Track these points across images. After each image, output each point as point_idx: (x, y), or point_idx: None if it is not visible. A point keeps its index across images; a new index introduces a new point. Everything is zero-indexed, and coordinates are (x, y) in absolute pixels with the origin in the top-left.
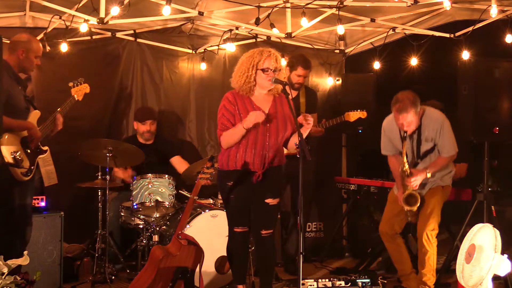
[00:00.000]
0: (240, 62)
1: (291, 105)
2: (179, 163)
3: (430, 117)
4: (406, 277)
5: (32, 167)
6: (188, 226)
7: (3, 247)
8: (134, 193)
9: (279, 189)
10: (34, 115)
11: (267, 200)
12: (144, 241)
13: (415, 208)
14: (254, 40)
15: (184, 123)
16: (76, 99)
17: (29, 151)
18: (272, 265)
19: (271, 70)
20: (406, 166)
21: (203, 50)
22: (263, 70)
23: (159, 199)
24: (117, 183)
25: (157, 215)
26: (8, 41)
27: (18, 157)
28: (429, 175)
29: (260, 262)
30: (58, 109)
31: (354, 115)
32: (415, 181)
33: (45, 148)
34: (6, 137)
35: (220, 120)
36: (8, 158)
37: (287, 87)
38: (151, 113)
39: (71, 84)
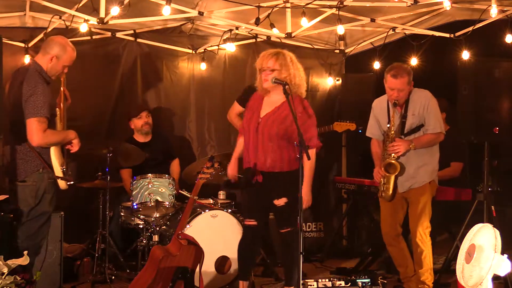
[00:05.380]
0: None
1: (292, 106)
2: (175, 169)
3: (419, 93)
4: (408, 279)
5: (70, 173)
6: (188, 226)
7: (35, 252)
8: (134, 193)
9: (284, 189)
10: (58, 115)
11: (274, 202)
12: (144, 241)
13: (392, 178)
14: (254, 40)
15: (184, 123)
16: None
17: (67, 159)
18: (289, 260)
19: (265, 70)
20: (392, 131)
21: (203, 50)
22: (260, 70)
23: (159, 199)
24: (118, 183)
25: (157, 215)
26: (13, 42)
27: (65, 168)
28: (412, 146)
29: (282, 258)
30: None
31: (342, 126)
32: (397, 147)
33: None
34: (56, 150)
35: None
36: (59, 171)
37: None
38: (143, 106)
39: None
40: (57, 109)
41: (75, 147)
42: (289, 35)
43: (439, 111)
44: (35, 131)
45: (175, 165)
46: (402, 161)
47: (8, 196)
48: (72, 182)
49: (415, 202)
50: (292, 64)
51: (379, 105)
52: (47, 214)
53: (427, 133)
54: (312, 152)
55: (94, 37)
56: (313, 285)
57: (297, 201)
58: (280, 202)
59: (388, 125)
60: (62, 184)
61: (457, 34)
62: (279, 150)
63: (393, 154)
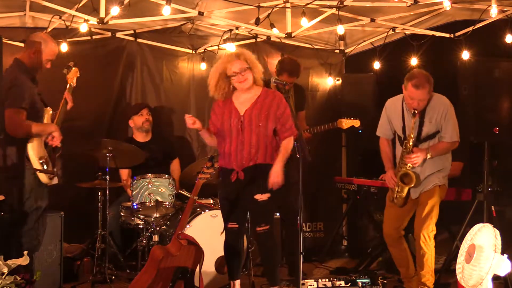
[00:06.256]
0: (211, 73)
1: (292, 106)
2: (176, 169)
3: (438, 100)
4: (408, 279)
5: (55, 169)
6: (188, 226)
7: (25, 248)
8: (134, 193)
9: (267, 185)
10: (48, 114)
11: (255, 197)
12: (144, 241)
13: (406, 188)
14: (254, 40)
15: (184, 123)
16: (73, 86)
17: (51, 153)
18: (272, 260)
19: (238, 73)
20: (411, 142)
21: (203, 50)
22: (231, 76)
23: (159, 199)
24: (117, 183)
25: (157, 215)
26: (13, 42)
27: (45, 161)
28: (429, 156)
29: (262, 259)
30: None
31: (347, 123)
32: (416, 158)
33: (59, 145)
34: (34, 142)
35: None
36: (37, 164)
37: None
38: (144, 103)
39: (65, 71)
40: (49, 108)
41: (56, 140)
42: (289, 35)
43: (456, 120)
44: (12, 121)
45: (175, 165)
46: (417, 168)
47: (4, 197)
48: (53, 175)
49: (423, 204)
50: (254, 58)
51: (393, 105)
52: (40, 209)
53: (443, 141)
54: (290, 140)
55: (94, 37)
56: (313, 285)
57: (276, 199)
58: (263, 197)
59: (406, 139)
60: (42, 177)
61: (457, 34)
62: (264, 142)
63: (409, 164)
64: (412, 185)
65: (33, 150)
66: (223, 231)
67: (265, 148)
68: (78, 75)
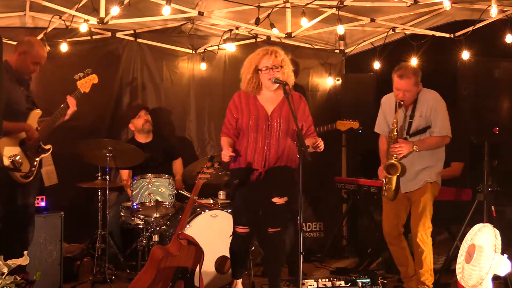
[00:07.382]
0: (244, 64)
1: (292, 106)
2: (179, 168)
3: (427, 94)
4: (408, 279)
5: (33, 169)
6: (188, 226)
7: (3, 248)
8: (134, 193)
9: (286, 188)
10: (34, 115)
11: (273, 200)
12: (144, 241)
13: (393, 178)
14: (254, 40)
15: (184, 123)
16: (82, 91)
17: (28, 152)
18: (278, 262)
19: (270, 68)
20: (395, 132)
21: (203, 50)
22: (262, 69)
23: (159, 199)
24: (117, 183)
25: (157, 215)
26: (13, 42)
27: (17, 160)
28: (415, 148)
29: (267, 259)
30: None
31: (345, 125)
32: (400, 148)
33: (48, 147)
34: (4, 140)
35: (224, 120)
36: (7, 162)
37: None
38: (141, 105)
39: (76, 76)
40: (38, 110)
41: (31, 135)
42: (289, 35)
43: (447, 113)
44: None
45: (178, 164)
46: (406, 162)
47: None
48: (23, 173)
49: (417, 201)
50: (287, 59)
51: (387, 102)
52: (23, 206)
53: (433, 135)
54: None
55: (94, 37)
56: (313, 285)
57: (292, 202)
58: (281, 201)
59: (391, 126)
60: (14, 176)
61: (457, 34)
62: (288, 145)
63: (395, 155)
64: (398, 174)
65: (3, 148)
66: (231, 235)
67: (289, 149)
68: (96, 81)
